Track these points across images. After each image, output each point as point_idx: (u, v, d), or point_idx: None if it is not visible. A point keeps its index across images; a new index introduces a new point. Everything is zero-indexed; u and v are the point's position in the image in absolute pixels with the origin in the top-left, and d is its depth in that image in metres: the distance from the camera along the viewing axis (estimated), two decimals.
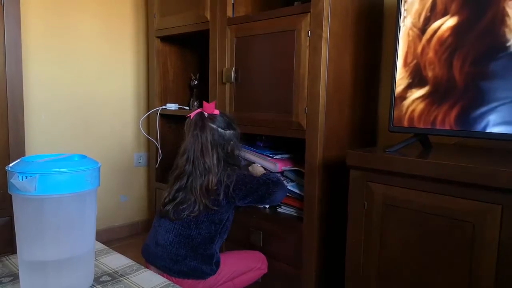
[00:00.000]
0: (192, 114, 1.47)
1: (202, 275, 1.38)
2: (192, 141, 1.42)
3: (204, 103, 1.49)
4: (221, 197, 1.39)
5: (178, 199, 1.40)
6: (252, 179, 1.46)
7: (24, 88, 1.79)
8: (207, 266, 1.39)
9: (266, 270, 1.63)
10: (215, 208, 1.38)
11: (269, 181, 1.46)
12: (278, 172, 1.78)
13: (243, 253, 1.67)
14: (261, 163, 1.83)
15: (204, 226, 1.39)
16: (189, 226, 1.38)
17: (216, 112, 1.50)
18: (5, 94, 1.71)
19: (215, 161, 1.41)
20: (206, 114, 1.46)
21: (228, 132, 1.49)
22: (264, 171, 1.75)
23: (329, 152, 1.57)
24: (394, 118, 1.39)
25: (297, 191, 1.71)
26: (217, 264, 1.42)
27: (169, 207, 1.40)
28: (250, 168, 1.77)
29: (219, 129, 1.46)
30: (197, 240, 1.38)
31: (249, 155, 1.83)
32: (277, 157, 1.84)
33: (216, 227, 1.41)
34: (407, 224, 1.23)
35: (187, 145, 1.43)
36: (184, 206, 1.38)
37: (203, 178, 1.38)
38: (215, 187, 1.38)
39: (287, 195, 1.74)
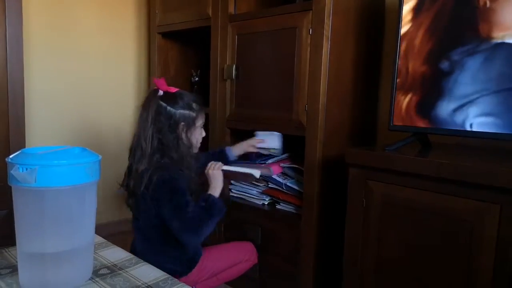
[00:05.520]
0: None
1: (170, 272, 1.09)
2: (138, 119, 1.33)
3: (154, 78, 1.40)
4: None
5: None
6: (171, 191, 1.24)
7: (25, 82, 1.79)
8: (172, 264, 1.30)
9: (255, 261, 1.58)
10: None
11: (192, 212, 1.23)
12: (274, 175, 1.78)
13: (229, 246, 1.60)
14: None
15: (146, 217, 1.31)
16: (137, 218, 1.35)
17: (172, 89, 1.35)
18: (6, 88, 1.72)
19: (148, 146, 1.27)
20: (160, 91, 1.33)
21: (180, 112, 1.31)
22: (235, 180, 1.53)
23: (329, 150, 1.58)
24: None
25: (296, 188, 1.71)
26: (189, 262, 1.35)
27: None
28: (209, 172, 1.41)
29: (168, 107, 1.30)
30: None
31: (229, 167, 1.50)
32: (271, 161, 1.84)
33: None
34: (406, 223, 1.23)
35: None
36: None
37: (138, 163, 1.28)
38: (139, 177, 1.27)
39: (287, 193, 1.74)
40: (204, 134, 1.45)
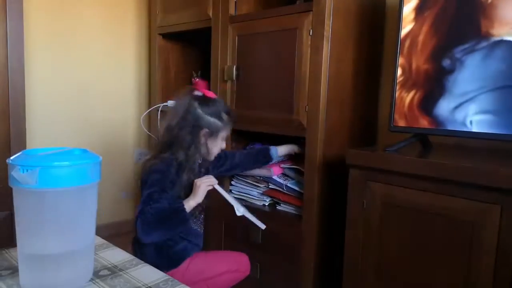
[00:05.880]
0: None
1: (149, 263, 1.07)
2: (169, 113, 1.36)
3: (197, 81, 1.41)
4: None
5: None
6: (153, 180, 1.25)
7: (26, 82, 1.79)
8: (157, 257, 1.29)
9: (247, 273, 1.52)
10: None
11: (150, 210, 1.20)
12: (274, 176, 1.78)
13: (221, 254, 1.57)
14: (255, 173, 1.83)
15: None
16: None
17: (211, 94, 1.37)
18: (7, 88, 1.72)
19: (165, 136, 1.30)
20: (198, 92, 1.35)
21: (208, 118, 1.33)
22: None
23: (329, 150, 1.58)
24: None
25: (297, 189, 1.71)
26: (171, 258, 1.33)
27: None
28: (198, 183, 1.34)
29: (199, 108, 1.32)
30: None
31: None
32: (271, 162, 1.84)
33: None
34: (406, 223, 1.23)
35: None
36: None
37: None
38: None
39: (287, 194, 1.74)
40: (224, 146, 1.45)
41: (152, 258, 1.26)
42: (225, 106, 1.42)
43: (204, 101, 1.35)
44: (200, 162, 1.41)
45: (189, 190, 1.35)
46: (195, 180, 1.35)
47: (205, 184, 1.34)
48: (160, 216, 1.22)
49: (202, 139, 1.36)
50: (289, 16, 1.61)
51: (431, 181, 1.17)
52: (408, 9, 1.35)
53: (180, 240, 1.38)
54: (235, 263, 1.48)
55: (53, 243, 0.86)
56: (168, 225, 1.25)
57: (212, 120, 1.35)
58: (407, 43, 1.36)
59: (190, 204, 1.31)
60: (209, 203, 1.43)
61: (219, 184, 1.38)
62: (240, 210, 1.38)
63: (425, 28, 1.32)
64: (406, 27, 1.36)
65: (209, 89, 1.37)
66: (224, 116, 1.38)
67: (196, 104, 1.33)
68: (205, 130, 1.35)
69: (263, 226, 1.41)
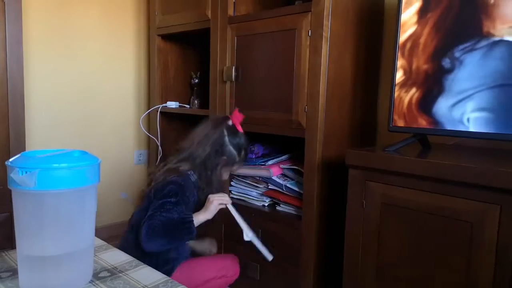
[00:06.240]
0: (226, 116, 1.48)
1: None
2: (199, 130, 1.43)
3: (236, 112, 1.47)
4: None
5: None
6: (169, 191, 1.28)
7: (25, 84, 1.79)
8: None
9: (235, 276, 1.51)
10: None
11: (169, 219, 1.23)
12: (273, 177, 1.78)
13: (207, 261, 1.51)
14: (254, 174, 1.83)
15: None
16: None
17: (240, 128, 1.45)
18: (6, 90, 1.72)
19: (197, 156, 1.36)
20: (230, 121, 1.44)
21: (230, 148, 1.41)
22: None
23: (329, 151, 1.58)
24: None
25: (296, 189, 1.71)
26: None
27: None
28: (211, 199, 1.37)
29: (226, 138, 1.41)
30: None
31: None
32: (270, 162, 1.84)
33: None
34: (406, 224, 1.23)
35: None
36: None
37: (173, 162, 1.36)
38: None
39: (287, 194, 1.74)
40: (226, 178, 1.52)
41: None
42: (248, 143, 1.49)
43: (233, 131, 1.43)
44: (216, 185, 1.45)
45: (199, 207, 1.37)
46: (209, 196, 1.37)
47: (218, 201, 1.36)
48: (168, 224, 1.24)
49: (218, 166, 1.41)
50: (288, 17, 1.61)
51: (431, 181, 1.17)
52: (410, 10, 1.35)
53: (172, 249, 1.37)
54: (222, 269, 1.47)
55: (52, 245, 0.86)
56: (173, 235, 1.26)
57: (234, 151, 1.42)
58: (406, 43, 1.36)
59: (199, 218, 1.32)
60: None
61: (233, 204, 1.40)
62: (249, 236, 1.38)
63: (426, 29, 1.32)
64: (406, 26, 1.36)
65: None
66: (243, 152, 1.45)
67: (226, 131, 1.41)
68: (223, 158, 1.41)
69: (270, 257, 1.41)
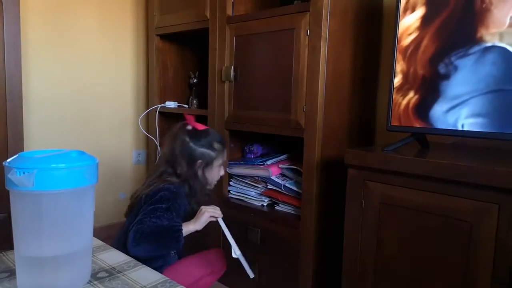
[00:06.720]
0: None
1: None
2: (164, 144, 1.44)
3: (185, 113, 1.45)
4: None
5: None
6: (161, 198, 1.27)
7: (23, 85, 1.79)
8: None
9: (223, 270, 1.50)
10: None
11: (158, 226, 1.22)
12: (272, 176, 1.78)
13: (195, 259, 1.47)
14: (253, 174, 1.83)
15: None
16: None
17: (199, 126, 1.42)
18: (4, 91, 1.72)
19: (175, 172, 1.35)
20: (189, 126, 1.41)
21: (200, 150, 1.38)
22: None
23: (327, 150, 1.58)
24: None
25: (295, 189, 1.71)
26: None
27: None
28: (203, 210, 1.36)
29: (191, 143, 1.38)
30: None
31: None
32: (269, 162, 1.84)
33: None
34: (404, 223, 1.23)
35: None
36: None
37: (149, 187, 1.33)
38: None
39: (286, 194, 1.74)
40: (222, 173, 1.49)
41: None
42: (216, 135, 1.46)
43: (195, 134, 1.39)
44: (206, 193, 1.45)
45: (191, 216, 1.36)
46: (202, 206, 1.36)
47: (210, 213, 1.35)
48: (156, 231, 1.22)
49: (199, 171, 1.40)
50: (287, 17, 1.61)
51: (429, 180, 1.17)
52: (412, 16, 1.35)
53: (159, 258, 1.35)
54: (209, 266, 1.46)
55: (50, 245, 0.86)
56: (161, 242, 1.24)
57: (205, 151, 1.39)
58: (405, 45, 1.36)
59: (189, 228, 1.30)
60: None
61: (224, 219, 1.39)
62: (236, 253, 1.36)
63: (423, 33, 1.32)
64: (404, 29, 1.36)
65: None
66: (216, 145, 1.42)
67: (187, 138, 1.38)
68: (199, 162, 1.39)
69: (251, 275, 1.39)
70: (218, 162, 1.43)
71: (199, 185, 1.40)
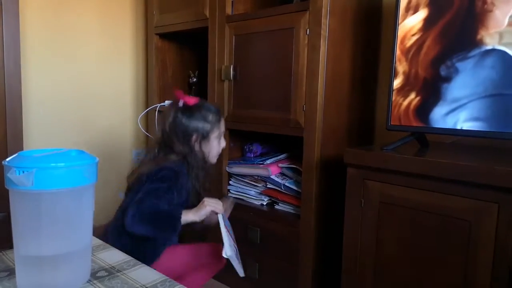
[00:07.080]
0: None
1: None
2: (159, 125, 1.41)
3: (175, 90, 1.40)
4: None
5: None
6: (162, 177, 1.24)
7: (22, 84, 1.79)
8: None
9: (217, 267, 1.41)
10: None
11: (159, 209, 1.19)
12: (272, 176, 1.78)
13: (181, 250, 1.41)
14: (253, 173, 1.83)
15: None
16: None
17: (190, 100, 1.36)
18: (3, 90, 1.71)
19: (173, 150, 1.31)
20: (180, 102, 1.35)
21: (194, 124, 1.33)
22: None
23: (327, 149, 1.58)
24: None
25: (295, 188, 1.71)
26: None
27: None
28: (206, 203, 1.29)
29: (183, 118, 1.33)
30: None
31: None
32: (269, 161, 1.84)
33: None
34: (404, 222, 1.24)
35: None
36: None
37: (148, 166, 1.30)
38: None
39: (286, 193, 1.74)
40: (223, 144, 1.44)
41: (127, 251, 1.14)
42: (210, 106, 1.40)
43: (186, 109, 1.35)
44: (204, 166, 1.40)
45: (194, 199, 1.34)
46: (205, 198, 1.31)
47: (211, 207, 1.29)
48: (156, 214, 1.21)
49: (196, 145, 1.36)
50: (286, 16, 1.60)
51: (429, 179, 1.17)
52: (412, 18, 1.35)
53: (148, 246, 1.31)
54: (198, 259, 1.40)
55: (50, 244, 0.86)
56: (158, 226, 1.23)
57: (199, 124, 1.35)
58: (408, 46, 1.36)
59: (188, 217, 1.26)
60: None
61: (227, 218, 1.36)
62: (227, 254, 1.26)
63: (428, 35, 1.31)
64: (403, 30, 1.36)
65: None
66: (210, 117, 1.37)
67: (179, 114, 1.34)
68: (194, 136, 1.35)
69: (242, 274, 1.32)
70: (214, 134, 1.38)
71: (198, 161, 1.35)
